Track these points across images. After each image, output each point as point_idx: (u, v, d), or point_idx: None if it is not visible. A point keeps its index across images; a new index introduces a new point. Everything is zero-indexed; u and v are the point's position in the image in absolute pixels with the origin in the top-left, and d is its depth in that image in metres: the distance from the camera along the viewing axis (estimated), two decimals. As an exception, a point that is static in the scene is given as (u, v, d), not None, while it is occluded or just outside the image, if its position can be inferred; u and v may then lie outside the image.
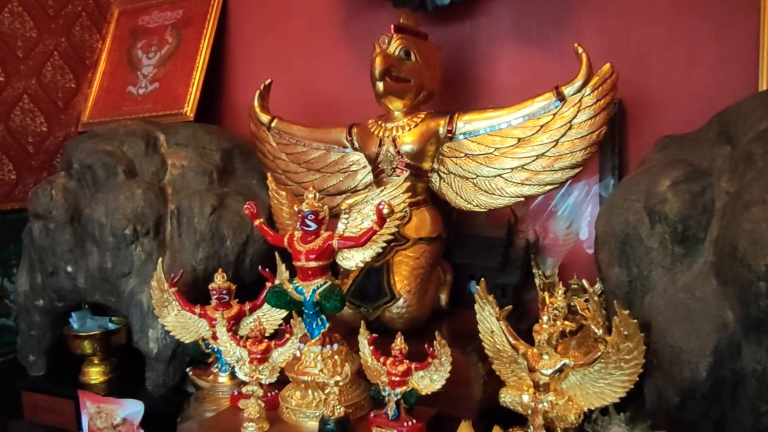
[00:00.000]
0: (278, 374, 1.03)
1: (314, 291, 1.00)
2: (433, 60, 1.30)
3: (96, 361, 1.51)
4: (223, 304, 1.25)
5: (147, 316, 1.33)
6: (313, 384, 0.99)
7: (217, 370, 1.26)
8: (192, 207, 1.41)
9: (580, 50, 1.15)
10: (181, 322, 1.28)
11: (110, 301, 1.42)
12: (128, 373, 1.50)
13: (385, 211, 0.94)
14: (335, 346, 1.02)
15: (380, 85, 1.23)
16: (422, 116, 1.26)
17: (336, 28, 1.65)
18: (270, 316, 1.28)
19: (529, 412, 0.98)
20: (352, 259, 1.02)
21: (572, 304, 1.16)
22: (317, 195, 1.01)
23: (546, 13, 1.41)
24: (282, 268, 1.26)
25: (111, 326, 1.55)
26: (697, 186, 0.92)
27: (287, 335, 1.08)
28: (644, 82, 1.28)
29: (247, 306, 1.27)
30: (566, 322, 1.06)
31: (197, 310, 1.26)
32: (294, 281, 1.02)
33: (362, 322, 1.04)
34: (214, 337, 1.25)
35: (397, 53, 1.24)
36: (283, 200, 1.12)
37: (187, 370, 1.29)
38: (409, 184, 1.03)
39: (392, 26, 1.27)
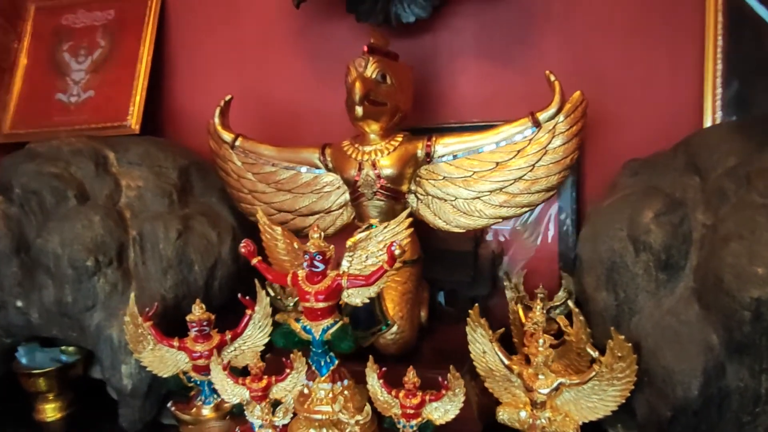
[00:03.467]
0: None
1: (324, 331, 1.00)
2: (406, 81, 1.31)
3: (51, 397, 1.41)
4: (204, 335, 1.22)
5: (119, 352, 1.26)
6: (327, 422, 1.00)
7: (200, 403, 1.24)
8: (156, 232, 1.34)
9: (552, 78, 1.21)
10: (157, 357, 1.23)
11: (71, 336, 1.33)
12: (88, 406, 1.43)
13: (398, 252, 0.96)
14: (345, 382, 1.04)
15: (359, 110, 1.21)
16: (400, 139, 1.27)
17: (292, 36, 1.60)
18: (252, 344, 1.26)
19: (526, 427, 1.06)
20: (358, 296, 1.04)
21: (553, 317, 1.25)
22: (322, 234, 1.01)
23: (508, 30, 1.45)
24: (262, 294, 1.24)
25: (64, 358, 1.45)
26: (676, 217, 1.02)
27: (287, 370, 1.08)
28: (602, 102, 1.36)
29: (228, 335, 1.24)
30: (545, 335, 1.14)
31: (176, 343, 1.22)
32: (301, 320, 1.02)
33: (370, 356, 1.05)
34: (195, 369, 1.22)
35: (374, 76, 1.23)
36: (278, 236, 1.10)
37: (169, 405, 1.25)
38: (411, 219, 1.04)
39: (365, 47, 1.26)
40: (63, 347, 1.47)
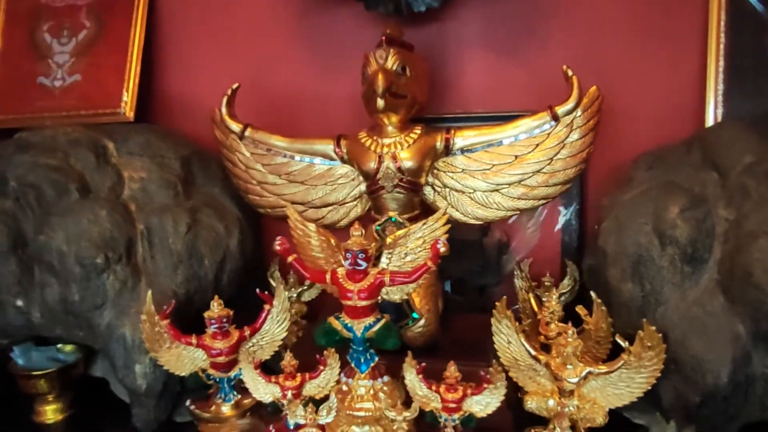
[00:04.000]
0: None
1: (366, 329, 1.00)
2: (423, 73, 1.30)
3: (51, 399, 1.36)
4: (223, 332, 1.20)
5: (132, 351, 1.22)
6: (370, 419, 1.01)
7: (220, 400, 1.22)
8: (164, 226, 1.29)
9: (570, 73, 1.23)
10: (174, 355, 1.20)
11: (77, 335, 1.27)
12: (87, 405, 1.39)
13: (442, 249, 0.97)
14: (385, 378, 1.04)
15: (381, 103, 1.19)
16: (419, 131, 1.26)
17: (294, 20, 1.55)
18: (270, 338, 1.25)
19: (553, 414, 1.10)
20: (397, 292, 1.04)
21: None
22: (363, 232, 1.00)
23: (516, 22, 1.46)
24: (280, 288, 1.22)
25: (62, 357, 1.39)
26: (700, 213, 1.07)
27: (320, 367, 1.08)
28: (606, 94, 1.38)
29: (247, 331, 1.22)
30: (559, 323, 1.18)
31: (194, 340, 1.20)
32: (341, 318, 1.02)
33: (409, 352, 1.06)
34: (214, 366, 1.20)
35: (394, 68, 1.22)
36: (312, 232, 1.08)
37: (187, 403, 1.22)
38: (448, 215, 1.05)
39: (383, 38, 1.24)
40: (59, 346, 1.41)
